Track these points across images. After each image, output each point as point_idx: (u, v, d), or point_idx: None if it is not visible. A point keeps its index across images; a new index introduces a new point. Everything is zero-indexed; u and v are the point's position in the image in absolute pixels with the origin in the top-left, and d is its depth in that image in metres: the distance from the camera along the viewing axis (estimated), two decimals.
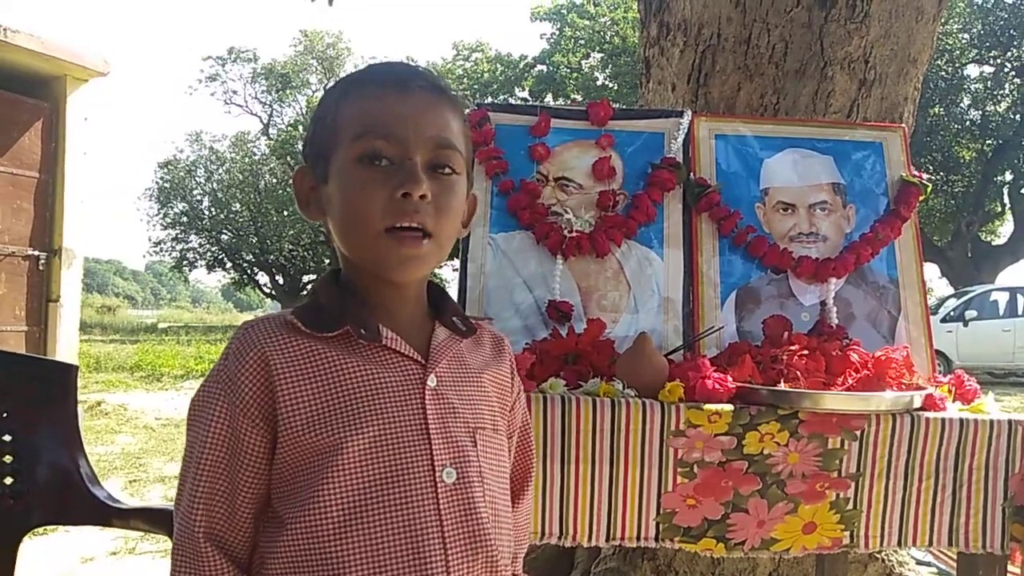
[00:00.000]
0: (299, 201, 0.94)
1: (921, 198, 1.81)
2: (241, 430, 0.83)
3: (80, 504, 1.36)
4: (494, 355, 0.99)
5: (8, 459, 1.34)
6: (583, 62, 21.45)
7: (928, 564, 2.87)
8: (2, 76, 5.69)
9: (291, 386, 0.83)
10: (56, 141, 5.94)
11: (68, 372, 1.43)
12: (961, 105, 18.64)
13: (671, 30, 2.30)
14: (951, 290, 16.55)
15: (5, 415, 1.35)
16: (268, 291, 30.65)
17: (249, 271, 29.66)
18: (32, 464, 1.35)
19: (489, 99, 19.98)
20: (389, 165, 0.85)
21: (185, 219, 28.22)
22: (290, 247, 28.17)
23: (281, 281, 29.36)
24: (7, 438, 1.34)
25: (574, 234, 1.70)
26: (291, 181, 0.96)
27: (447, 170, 0.88)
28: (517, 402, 1.02)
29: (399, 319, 0.90)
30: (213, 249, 28.85)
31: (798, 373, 1.48)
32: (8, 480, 1.33)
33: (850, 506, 1.36)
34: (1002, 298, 13.33)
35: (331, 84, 0.94)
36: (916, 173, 1.83)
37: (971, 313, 12.50)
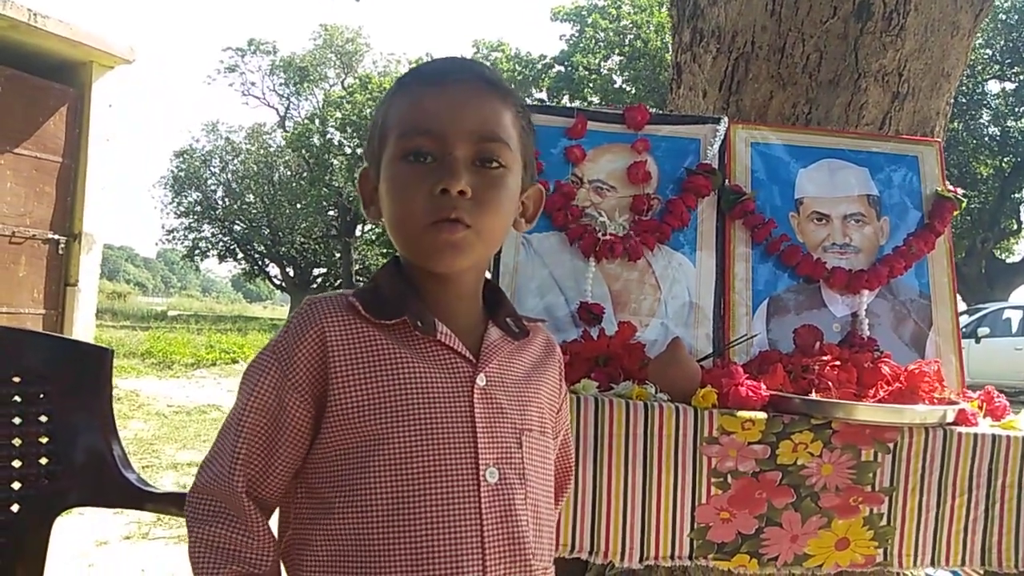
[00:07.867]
0: (363, 203, 0.95)
1: (955, 212, 1.81)
2: (288, 403, 0.84)
3: (114, 486, 1.36)
4: (544, 357, 0.99)
5: (44, 440, 1.35)
6: (602, 64, 21.42)
7: None
8: (30, 61, 5.72)
9: (345, 368, 0.84)
10: (80, 127, 5.97)
11: (104, 356, 1.44)
12: (980, 120, 18.54)
13: (704, 36, 2.30)
14: (964, 306, 16.48)
15: (42, 396, 1.36)
16: (278, 283, 30.76)
17: (260, 262, 29.77)
18: (68, 446, 1.36)
19: None
20: (432, 161, 0.85)
21: (198, 208, 28.38)
22: (302, 240, 28.27)
23: (292, 273, 29.44)
24: (44, 419, 1.35)
25: (607, 237, 1.70)
26: (355, 184, 0.97)
27: (493, 164, 0.87)
28: (564, 405, 1.03)
29: (453, 316, 0.90)
30: (225, 239, 28.98)
31: (830, 384, 1.48)
32: (44, 461, 1.34)
33: (884, 522, 1.35)
34: (1015, 316, 13.28)
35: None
36: (951, 188, 1.82)
37: (984, 330, 12.44)
